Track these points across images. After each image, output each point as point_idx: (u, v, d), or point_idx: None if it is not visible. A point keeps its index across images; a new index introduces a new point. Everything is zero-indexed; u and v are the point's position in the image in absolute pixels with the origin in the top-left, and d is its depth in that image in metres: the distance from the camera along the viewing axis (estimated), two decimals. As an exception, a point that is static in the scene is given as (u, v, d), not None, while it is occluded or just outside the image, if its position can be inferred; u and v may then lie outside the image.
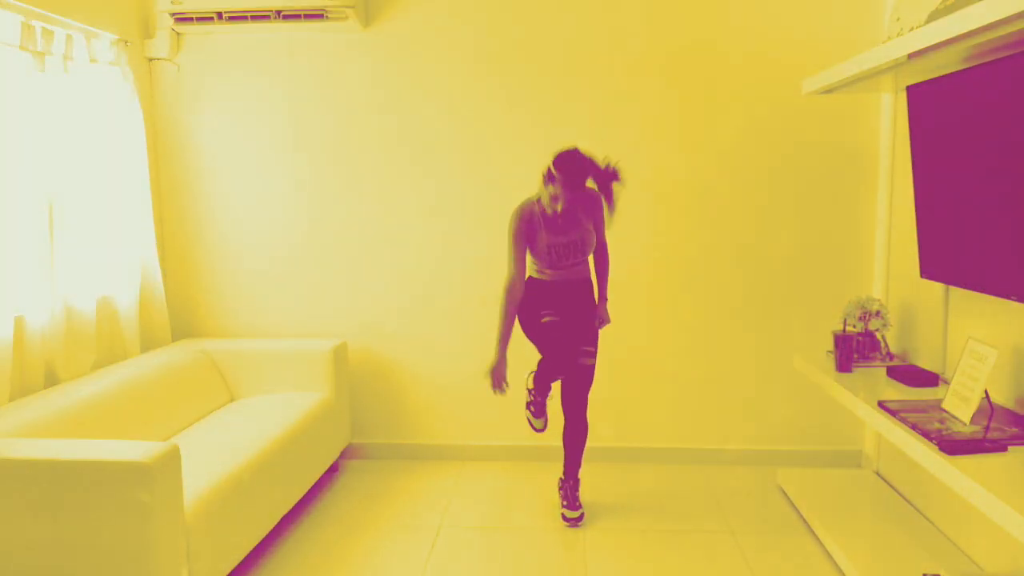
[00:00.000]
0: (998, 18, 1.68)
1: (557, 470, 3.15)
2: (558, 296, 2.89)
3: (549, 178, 2.68)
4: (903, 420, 2.15)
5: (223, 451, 2.55)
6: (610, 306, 3.10)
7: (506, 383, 2.87)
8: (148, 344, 3.44)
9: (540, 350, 2.92)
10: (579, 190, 2.70)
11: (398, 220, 3.57)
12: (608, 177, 2.79)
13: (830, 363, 2.89)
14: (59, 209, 2.89)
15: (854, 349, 2.86)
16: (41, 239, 2.78)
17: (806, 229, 3.42)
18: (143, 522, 1.96)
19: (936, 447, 1.94)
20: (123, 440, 2.28)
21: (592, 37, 3.40)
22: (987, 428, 2.03)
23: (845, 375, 2.74)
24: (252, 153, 3.58)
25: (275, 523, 2.71)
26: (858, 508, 2.95)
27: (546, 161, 2.72)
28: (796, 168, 3.40)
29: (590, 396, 2.95)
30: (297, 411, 3.03)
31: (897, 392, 2.50)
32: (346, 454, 3.68)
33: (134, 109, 3.31)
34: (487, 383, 2.88)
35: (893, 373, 2.67)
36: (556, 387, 3.04)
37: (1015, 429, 2.03)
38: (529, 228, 2.81)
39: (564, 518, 2.96)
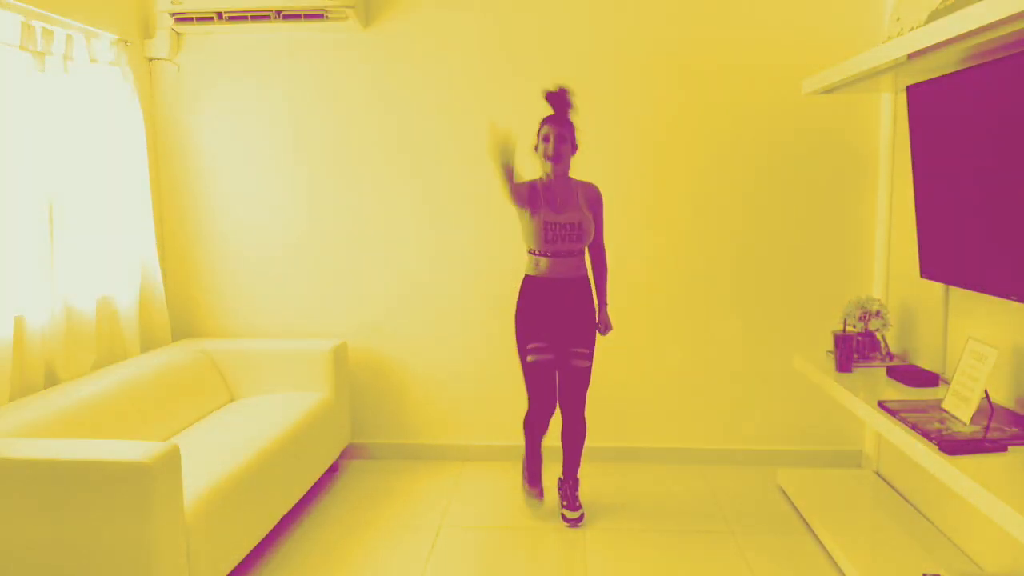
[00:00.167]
0: (998, 18, 1.68)
1: (557, 470, 3.15)
2: (553, 295, 2.85)
3: (539, 127, 2.84)
4: (903, 420, 2.15)
5: (223, 451, 2.55)
6: (610, 307, 3.09)
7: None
8: (148, 344, 3.44)
9: (526, 385, 2.92)
10: (565, 125, 2.82)
11: (398, 220, 3.57)
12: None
13: (830, 363, 2.89)
14: (59, 209, 2.89)
15: (854, 349, 2.86)
16: (41, 239, 2.78)
17: (806, 229, 3.42)
18: (143, 522, 1.95)
19: (936, 447, 1.94)
20: (123, 440, 2.28)
21: (592, 37, 3.40)
22: (987, 428, 2.03)
23: (845, 375, 2.74)
24: (252, 153, 3.58)
25: (275, 523, 2.71)
26: (858, 508, 2.95)
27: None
28: (796, 168, 3.40)
29: (590, 396, 2.95)
30: (297, 411, 3.03)
31: (897, 392, 2.50)
32: (346, 454, 3.68)
33: (134, 109, 3.31)
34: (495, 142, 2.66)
35: (893, 373, 2.67)
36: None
37: (1015, 429, 2.03)
38: (531, 194, 2.82)
39: (564, 518, 2.96)
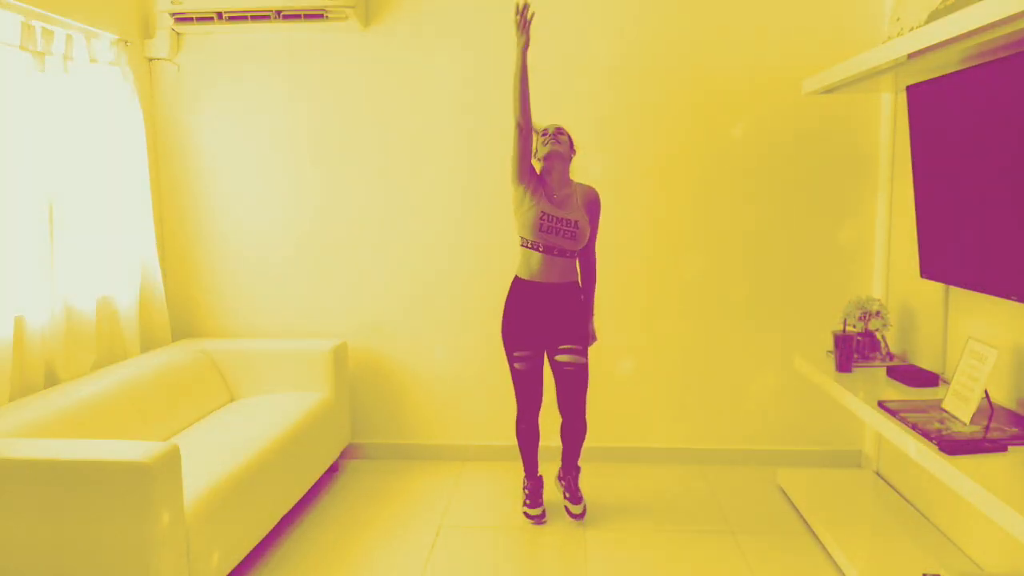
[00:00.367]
0: (998, 18, 1.69)
1: (556, 470, 3.15)
2: (542, 302, 2.82)
3: (542, 133, 2.86)
4: (903, 420, 2.15)
5: (223, 451, 2.55)
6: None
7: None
8: (148, 344, 3.44)
9: (514, 387, 2.93)
10: (563, 132, 2.86)
11: (398, 220, 3.57)
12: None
13: (830, 363, 2.89)
14: (59, 209, 2.89)
15: (854, 349, 2.86)
16: (41, 239, 2.78)
17: (806, 229, 3.42)
18: (143, 522, 1.96)
19: (936, 447, 1.94)
20: (123, 440, 2.28)
21: (591, 37, 3.40)
22: (987, 428, 2.03)
23: (845, 375, 2.74)
24: (252, 153, 3.58)
25: (275, 523, 2.71)
26: (858, 508, 2.95)
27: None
28: (796, 168, 3.40)
29: (590, 396, 2.93)
30: (297, 411, 3.03)
31: (897, 392, 2.50)
32: (346, 454, 3.68)
33: (134, 109, 3.31)
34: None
35: (893, 373, 2.67)
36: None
37: (1015, 429, 2.03)
38: (534, 176, 2.82)
39: (568, 512, 2.97)
